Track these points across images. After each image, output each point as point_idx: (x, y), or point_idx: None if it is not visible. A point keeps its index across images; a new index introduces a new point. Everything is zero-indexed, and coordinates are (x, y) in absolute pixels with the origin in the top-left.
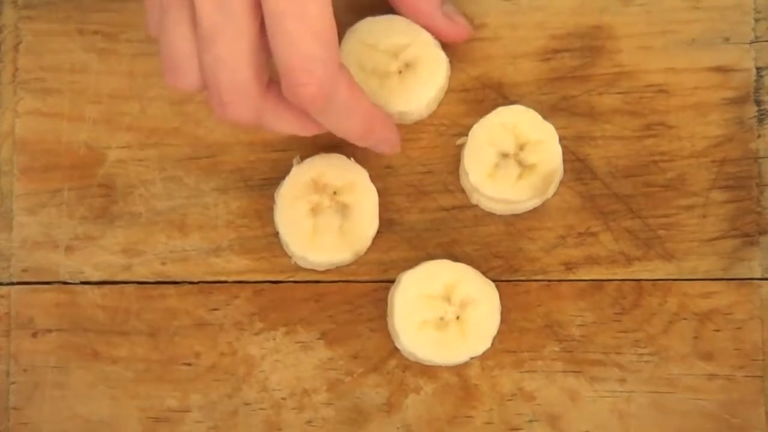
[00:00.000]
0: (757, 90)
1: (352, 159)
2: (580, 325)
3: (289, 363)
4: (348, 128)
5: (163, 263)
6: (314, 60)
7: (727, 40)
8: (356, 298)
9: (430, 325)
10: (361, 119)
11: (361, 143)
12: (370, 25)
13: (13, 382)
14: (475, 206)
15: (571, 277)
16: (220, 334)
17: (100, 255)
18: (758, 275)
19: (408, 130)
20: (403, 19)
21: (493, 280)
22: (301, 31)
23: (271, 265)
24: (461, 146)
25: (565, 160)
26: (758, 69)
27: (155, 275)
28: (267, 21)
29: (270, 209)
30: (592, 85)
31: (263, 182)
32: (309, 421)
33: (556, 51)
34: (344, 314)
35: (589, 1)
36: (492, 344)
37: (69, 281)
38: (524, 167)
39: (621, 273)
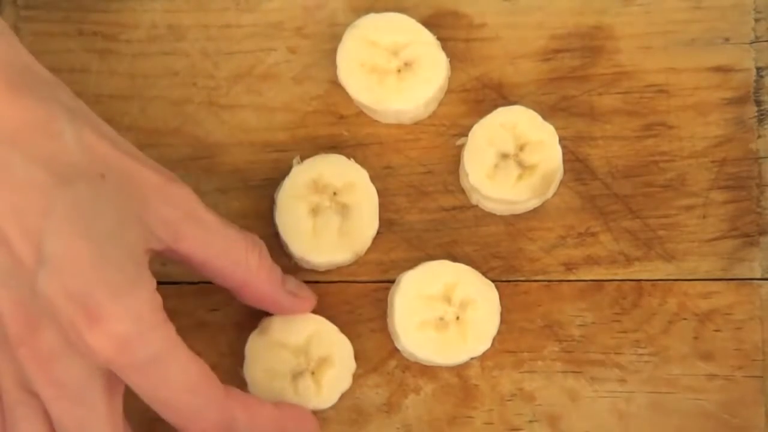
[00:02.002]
0: (757, 90)
1: (352, 159)
2: (580, 325)
3: None
4: None
5: (163, 263)
6: (199, 410)
7: (727, 40)
8: (356, 299)
9: (430, 325)
10: (274, 426)
11: None
12: (371, 22)
13: None
14: (475, 206)
15: (571, 277)
16: (220, 334)
17: None
18: (758, 275)
19: (408, 130)
20: (405, 17)
21: (493, 281)
22: (172, 393)
23: None
24: (461, 146)
25: (565, 160)
26: (758, 69)
27: (155, 275)
28: (141, 397)
29: (270, 209)
30: (592, 85)
31: (263, 182)
32: None
33: (556, 51)
34: (344, 314)
35: (589, 1)
36: (492, 345)
37: None
38: (524, 168)
39: (621, 273)
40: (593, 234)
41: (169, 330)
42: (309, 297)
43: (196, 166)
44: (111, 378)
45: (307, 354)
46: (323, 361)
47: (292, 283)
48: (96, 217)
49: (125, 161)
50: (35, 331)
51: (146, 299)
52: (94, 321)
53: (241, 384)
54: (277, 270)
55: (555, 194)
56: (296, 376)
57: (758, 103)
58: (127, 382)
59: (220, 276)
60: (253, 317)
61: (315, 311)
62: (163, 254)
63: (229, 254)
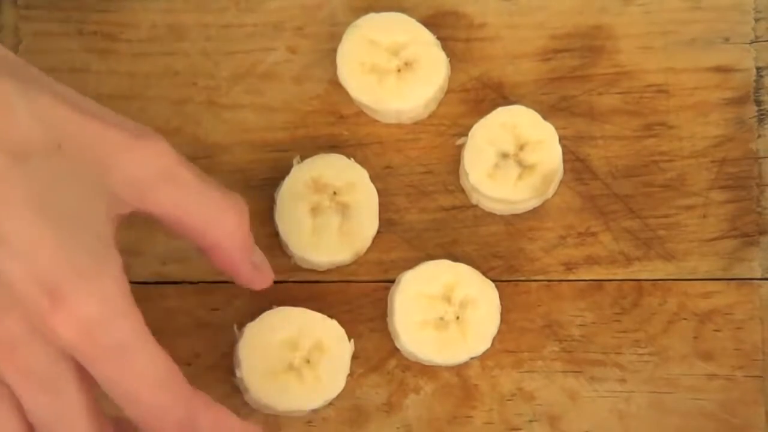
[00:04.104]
0: (757, 90)
1: (352, 159)
2: (580, 325)
3: None
4: None
5: (163, 263)
6: (164, 407)
7: (727, 40)
8: (356, 298)
9: (430, 325)
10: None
11: None
12: (371, 22)
13: None
14: (475, 206)
15: (571, 277)
16: (220, 334)
17: None
18: (758, 275)
19: (408, 130)
20: (405, 17)
21: (493, 280)
22: (138, 385)
23: (271, 265)
24: (461, 146)
25: (565, 160)
26: (758, 69)
27: (155, 275)
28: (104, 388)
29: (270, 209)
30: (592, 85)
31: (263, 182)
32: (309, 422)
33: (556, 51)
34: (344, 314)
35: (589, 1)
36: (492, 344)
37: None
38: (524, 167)
39: (621, 273)
40: (593, 234)
41: (137, 317)
42: (269, 274)
43: (196, 165)
44: (81, 366)
45: (299, 346)
46: (316, 349)
47: (258, 255)
48: (55, 194)
49: (85, 123)
50: None
51: (114, 282)
52: (58, 304)
53: (237, 392)
54: (251, 239)
55: (555, 194)
56: (294, 370)
57: (758, 103)
58: (92, 372)
59: (192, 234)
60: (254, 317)
61: (315, 311)
62: (134, 215)
63: (203, 212)
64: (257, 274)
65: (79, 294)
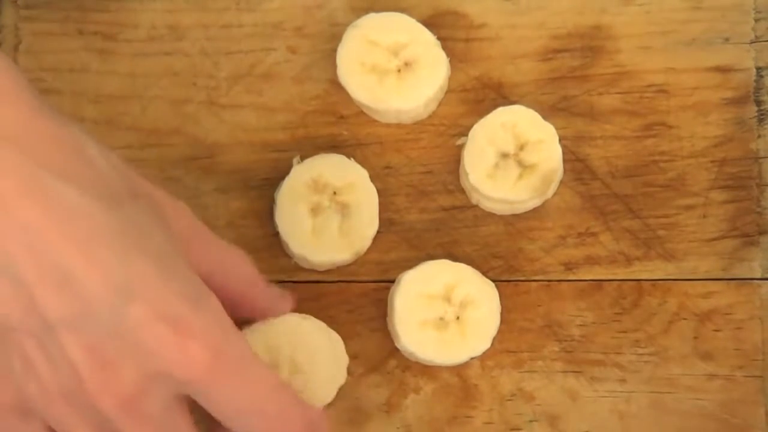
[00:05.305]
0: (757, 90)
1: (352, 159)
2: (580, 325)
3: None
4: None
5: None
6: (288, 408)
7: (727, 40)
8: (356, 298)
9: (430, 325)
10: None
11: None
12: (371, 22)
13: None
14: (475, 206)
15: (571, 277)
16: None
17: None
18: (758, 275)
19: (408, 130)
20: (405, 17)
21: (493, 280)
22: (262, 394)
23: (271, 265)
24: (461, 146)
25: (565, 160)
26: (758, 69)
27: None
28: (226, 413)
29: (270, 209)
30: (592, 85)
31: (263, 182)
32: None
33: (556, 51)
34: (344, 314)
35: (589, 1)
36: (492, 344)
37: None
38: (524, 167)
39: (621, 273)
40: (593, 234)
41: (242, 335)
42: (288, 295)
43: (196, 166)
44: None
45: (285, 357)
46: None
47: (272, 286)
48: (148, 235)
49: (141, 180)
50: (114, 373)
51: (219, 306)
52: (186, 336)
53: None
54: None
55: (555, 194)
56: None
57: (758, 103)
58: (211, 400)
59: (221, 289)
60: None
61: (315, 311)
62: None
63: (228, 266)
64: (283, 301)
65: (199, 322)
